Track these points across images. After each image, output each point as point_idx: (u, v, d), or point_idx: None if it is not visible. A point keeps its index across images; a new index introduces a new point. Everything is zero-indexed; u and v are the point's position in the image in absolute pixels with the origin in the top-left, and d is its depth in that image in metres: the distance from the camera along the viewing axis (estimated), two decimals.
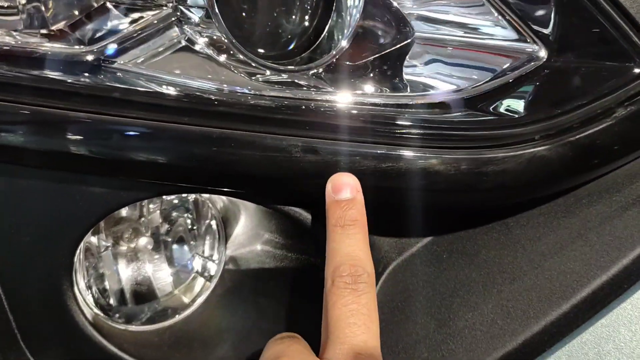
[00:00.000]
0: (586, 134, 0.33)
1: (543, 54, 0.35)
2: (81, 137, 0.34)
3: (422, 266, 0.39)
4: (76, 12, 0.35)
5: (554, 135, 0.33)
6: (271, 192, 0.37)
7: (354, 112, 0.35)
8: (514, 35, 0.36)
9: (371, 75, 0.37)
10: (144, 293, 0.43)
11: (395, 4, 0.36)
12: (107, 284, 0.42)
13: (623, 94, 0.34)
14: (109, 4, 0.36)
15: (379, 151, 0.34)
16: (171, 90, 0.35)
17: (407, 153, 0.35)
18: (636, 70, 0.34)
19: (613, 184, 0.36)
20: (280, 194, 0.38)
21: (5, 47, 0.33)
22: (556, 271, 0.35)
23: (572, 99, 0.34)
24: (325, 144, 0.33)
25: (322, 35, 0.37)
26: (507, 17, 0.35)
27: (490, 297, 0.36)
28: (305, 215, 0.37)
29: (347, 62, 0.37)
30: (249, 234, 0.43)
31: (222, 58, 0.36)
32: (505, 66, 0.35)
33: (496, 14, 0.36)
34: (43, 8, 0.34)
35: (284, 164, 0.33)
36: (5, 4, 0.37)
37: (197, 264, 0.45)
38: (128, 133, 0.34)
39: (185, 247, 0.44)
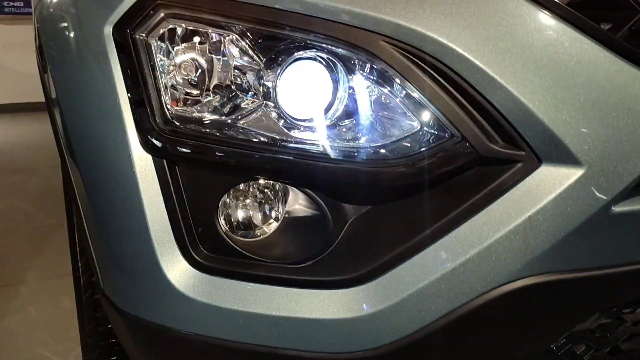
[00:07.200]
0: (423, 164, 0.77)
1: (418, 127, 0.79)
2: (231, 156, 0.82)
3: (365, 218, 0.85)
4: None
5: (411, 165, 0.78)
6: (302, 183, 0.84)
7: (335, 147, 0.81)
8: (414, 122, 0.80)
9: (349, 131, 0.83)
10: (248, 225, 0.92)
11: (359, 108, 0.82)
12: (233, 220, 0.91)
13: (437, 149, 0.77)
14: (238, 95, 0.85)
15: (336, 164, 0.79)
16: (259, 137, 0.83)
17: (361, 166, 0.81)
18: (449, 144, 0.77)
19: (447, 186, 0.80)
20: (307, 184, 0.84)
21: (201, 116, 0.83)
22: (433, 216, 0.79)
23: (427, 148, 0.78)
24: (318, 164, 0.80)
25: (326, 115, 0.82)
26: (409, 115, 0.79)
27: (395, 226, 0.81)
28: (311, 192, 0.84)
29: (339, 123, 0.83)
30: (293, 200, 0.90)
31: (281, 122, 0.83)
32: (398, 131, 0.80)
33: (406, 112, 0.80)
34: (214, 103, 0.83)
35: (300, 167, 0.80)
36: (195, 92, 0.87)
37: (272, 214, 0.93)
38: (241, 154, 0.83)
39: (267, 205, 0.93)
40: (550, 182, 0.75)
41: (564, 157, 0.75)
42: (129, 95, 0.84)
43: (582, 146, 0.75)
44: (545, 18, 0.74)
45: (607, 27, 0.76)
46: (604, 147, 0.76)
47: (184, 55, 0.84)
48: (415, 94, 0.77)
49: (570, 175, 0.76)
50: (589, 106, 0.75)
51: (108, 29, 0.85)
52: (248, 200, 0.91)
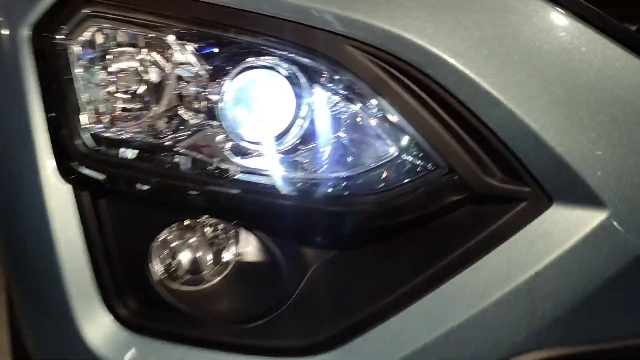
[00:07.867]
0: (401, 201, 0.63)
1: (394, 154, 0.63)
2: (166, 189, 0.67)
3: (330, 267, 0.70)
4: None
5: (386, 203, 0.63)
6: (251, 223, 0.71)
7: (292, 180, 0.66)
8: (391, 148, 0.64)
9: (309, 159, 0.67)
10: (189, 271, 0.76)
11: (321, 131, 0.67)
12: (172, 265, 0.76)
13: (419, 184, 0.63)
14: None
15: (293, 202, 0.64)
16: (201, 166, 0.67)
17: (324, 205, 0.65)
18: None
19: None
20: (258, 225, 0.70)
21: (130, 138, 0.68)
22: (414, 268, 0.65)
23: (406, 181, 0.63)
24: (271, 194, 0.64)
25: (281, 139, 0.67)
26: (384, 140, 0.64)
27: (367, 278, 0.67)
28: (263, 235, 0.69)
29: (297, 148, 0.67)
30: (245, 241, 0.75)
31: (228, 147, 0.67)
32: (370, 160, 0.65)
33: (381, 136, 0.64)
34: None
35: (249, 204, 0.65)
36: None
37: (221, 257, 0.77)
38: (178, 186, 0.67)
39: (214, 247, 0.77)
40: (564, 227, 0.62)
41: (582, 194, 0.62)
42: (46, 112, 0.72)
43: (604, 181, 0.62)
44: (556, 16, 0.62)
45: (634, 28, 0.65)
46: (632, 182, 0.62)
47: (110, 63, 0.72)
48: (391, 114, 0.63)
49: (590, 218, 0.62)
50: (614, 129, 0.62)
51: (26, 32, 0.72)
52: (192, 241, 0.76)
